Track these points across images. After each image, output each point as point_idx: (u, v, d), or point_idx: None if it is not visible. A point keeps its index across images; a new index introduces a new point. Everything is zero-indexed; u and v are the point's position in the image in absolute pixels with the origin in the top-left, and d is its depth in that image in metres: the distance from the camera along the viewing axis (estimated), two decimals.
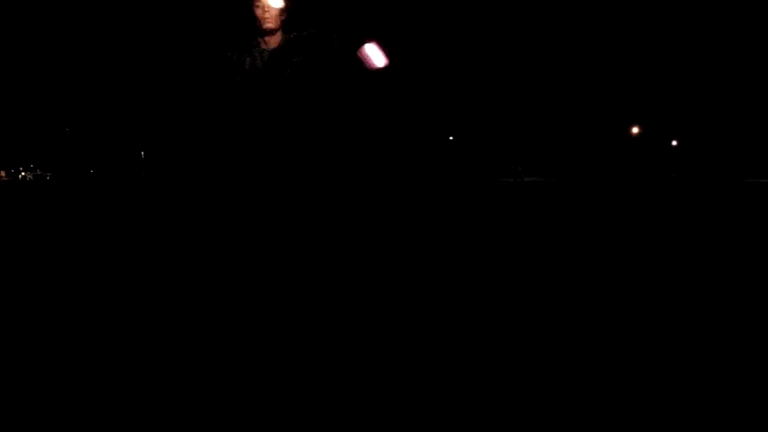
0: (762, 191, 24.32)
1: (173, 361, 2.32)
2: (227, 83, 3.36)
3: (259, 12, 3.33)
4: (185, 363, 2.31)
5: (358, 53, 3.22)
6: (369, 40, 3.19)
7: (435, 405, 1.91)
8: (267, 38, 3.40)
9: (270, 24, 3.34)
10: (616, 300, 3.43)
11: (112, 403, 1.92)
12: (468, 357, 2.38)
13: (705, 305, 3.30)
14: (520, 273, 4.36)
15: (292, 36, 3.39)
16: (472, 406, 1.91)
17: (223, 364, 2.29)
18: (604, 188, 28.74)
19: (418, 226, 8.27)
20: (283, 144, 3.54)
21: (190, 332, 2.73)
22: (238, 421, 1.80)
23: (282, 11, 3.33)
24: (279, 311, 3.13)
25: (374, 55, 3.20)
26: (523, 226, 8.44)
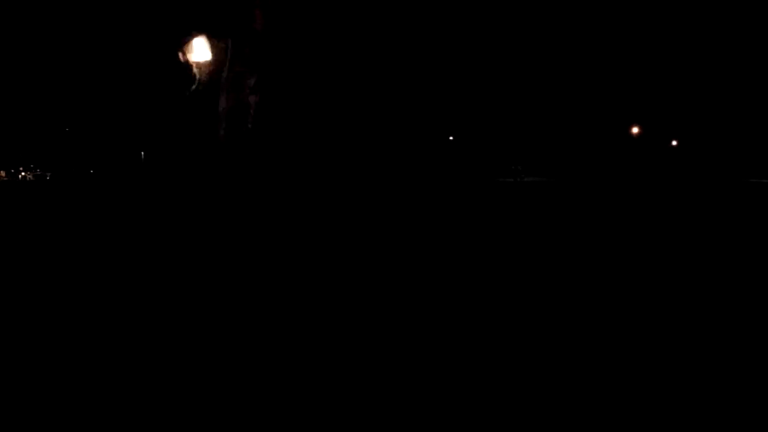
0: (763, 191, 24.30)
1: (173, 360, 2.31)
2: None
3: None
4: (185, 362, 2.30)
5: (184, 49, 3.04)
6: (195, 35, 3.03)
7: (433, 403, 1.90)
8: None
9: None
10: (615, 299, 3.42)
11: (112, 402, 1.91)
12: (466, 355, 2.37)
13: (706, 305, 3.29)
14: (519, 272, 4.35)
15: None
16: (470, 404, 1.90)
17: (223, 362, 2.28)
18: (604, 188, 28.74)
19: (418, 226, 8.26)
20: (284, 143, 3.51)
21: (190, 331, 2.72)
22: (238, 420, 1.79)
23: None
24: (278, 310, 3.12)
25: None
26: (522, 226, 8.43)
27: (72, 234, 7.23)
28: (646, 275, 4.25)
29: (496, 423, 1.78)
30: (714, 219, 9.59)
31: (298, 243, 3.55)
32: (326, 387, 2.05)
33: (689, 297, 3.51)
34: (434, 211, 11.37)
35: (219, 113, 3.13)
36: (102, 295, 3.54)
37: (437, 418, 1.81)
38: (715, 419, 1.81)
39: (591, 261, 4.94)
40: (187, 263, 4.70)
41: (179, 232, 7.15)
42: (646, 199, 17.13)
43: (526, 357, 2.37)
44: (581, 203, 14.84)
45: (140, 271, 4.39)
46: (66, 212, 11.50)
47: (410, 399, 1.94)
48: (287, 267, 3.62)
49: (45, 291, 3.66)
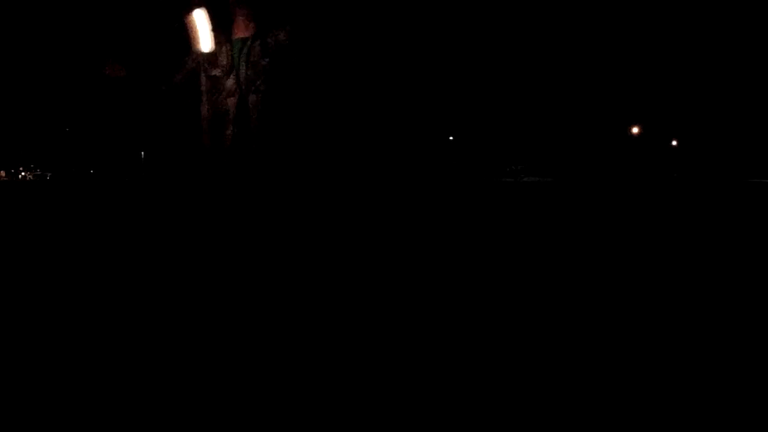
0: (763, 191, 24.31)
1: (172, 361, 2.31)
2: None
3: None
4: (184, 363, 2.29)
5: None
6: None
7: (433, 406, 1.90)
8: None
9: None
10: (616, 301, 3.41)
11: (111, 403, 1.90)
12: (467, 358, 2.36)
13: (706, 306, 3.29)
14: (519, 273, 4.35)
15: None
16: (472, 407, 1.89)
17: (222, 364, 2.28)
18: (604, 188, 28.74)
19: (418, 226, 8.26)
20: (283, 142, 3.51)
21: (190, 332, 2.72)
22: (238, 421, 1.78)
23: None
24: (278, 311, 3.12)
25: None
26: (523, 226, 8.43)
27: (72, 234, 7.23)
28: (645, 275, 4.24)
29: (496, 423, 1.78)
30: (714, 219, 9.60)
31: (298, 244, 3.56)
32: (326, 387, 2.04)
33: (689, 297, 3.50)
34: (435, 212, 11.38)
35: (201, 120, 3.12)
36: (102, 294, 3.54)
37: (436, 418, 1.81)
38: (715, 419, 1.80)
39: (590, 262, 4.94)
40: (187, 263, 4.70)
41: (176, 233, 7.15)
42: (646, 199, 17.14)
43: (525, 358, 2.36)
44: (581, 204, 14.84)
45: (140, 271, 4.38)
46: (66, 212, 11.51)
47: (410, 399, 1.94)
48: (288, 267, 3.63)
49: (45, 291, 3.66)
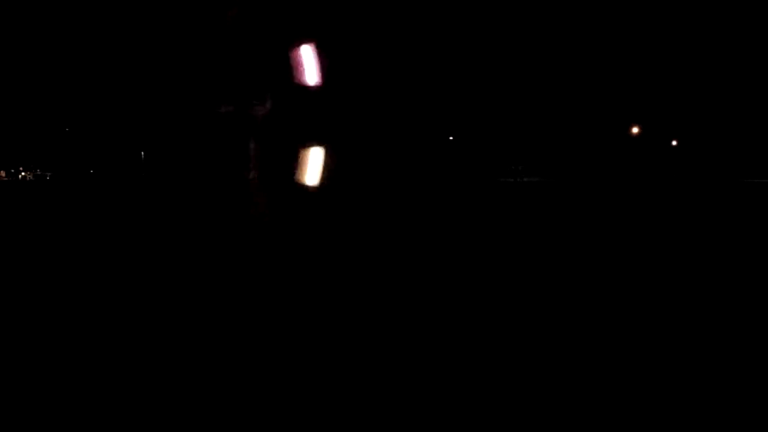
0: (762, 191, 24.28)
1: (173, 361, 2.32)
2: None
3: None
4: (185, 363, 2.30)
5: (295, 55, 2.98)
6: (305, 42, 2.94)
7: (433, 404, 1.91)
8: None
9: None
10: (615, 299, 3.42)
11: (111, 402, 1.92)
12: (467, 355, 2.38)
13: (705, 305, 3.30)
14: (519, 273, 4.36)
15: None
16: (471, 405, 1.90)
17: (223, 363, 2.29)
18: (604, 188, 28.70)
19: (418, 226, 8.26)
20: (284, 143, 3.53)
21: (190, 332, 2.73)
22: (238, 421, 1.80)
23: None
24: (282, 310, 3.13)
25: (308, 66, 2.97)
26: (522, 226, 8.43)
27: (73, 236, 7.23)
28: (644, 275, 4.25)
29: (495, 423, 1.79)
30: (713, 218, 9.60)
31: (298, 243, 3.56)
32: (327, 387, 2.06)
33: (689, 298, 3.51)
34: (436, 213, 11.37)
35: (249, 154, 3.21)
36: (102, 295, 3.55)
37: (436, 418, 1.82)
38: (715, 419, 1.81)
39: (589, 262, 4.95)
40: (189, 264, 4.71)
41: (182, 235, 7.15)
42: (646, 199, 17.12)
43: (524, 358, 2.37)
44: (581, 204, 14.83)
45: (141, 272, 4.39)
46: (66, 213, 11.50)
47: (410, 400, 1.95)
48: (290, 267, 3.63)
49: (45, 291, 3.67)
